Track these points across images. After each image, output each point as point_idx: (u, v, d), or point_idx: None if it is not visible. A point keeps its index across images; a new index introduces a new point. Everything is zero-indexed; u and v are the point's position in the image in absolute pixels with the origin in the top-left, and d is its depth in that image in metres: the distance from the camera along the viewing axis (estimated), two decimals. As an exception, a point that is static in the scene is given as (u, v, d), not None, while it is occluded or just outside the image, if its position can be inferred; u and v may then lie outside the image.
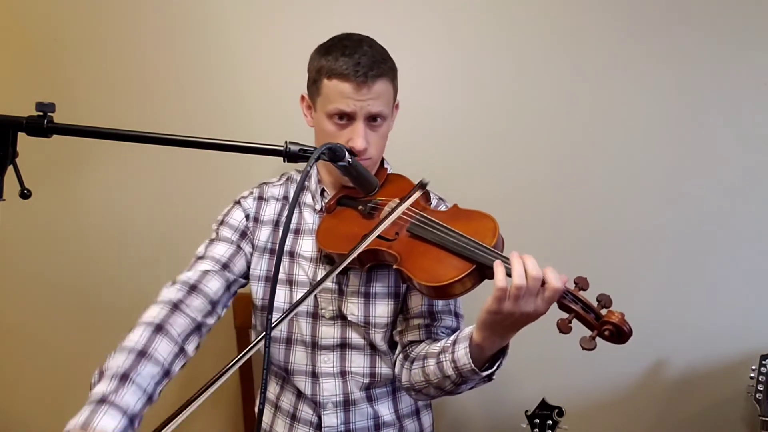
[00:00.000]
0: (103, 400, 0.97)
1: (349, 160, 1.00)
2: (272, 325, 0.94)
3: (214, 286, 1.22)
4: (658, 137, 1.70)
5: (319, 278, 1.27)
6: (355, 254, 1.08)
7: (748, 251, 1.70)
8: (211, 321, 1.23)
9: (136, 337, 1.07)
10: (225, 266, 1.27)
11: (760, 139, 1.68)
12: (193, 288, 1.20)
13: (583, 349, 0.97)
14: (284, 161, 0.94)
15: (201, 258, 1.26)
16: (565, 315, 1.00)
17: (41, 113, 0.83)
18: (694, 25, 1.67)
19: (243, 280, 1.32)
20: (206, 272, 1.23)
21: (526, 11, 1.70)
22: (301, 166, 1.41)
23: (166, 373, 1.08)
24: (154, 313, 1.13)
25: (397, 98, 1.33)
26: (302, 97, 1.32)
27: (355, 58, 1.18)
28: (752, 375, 1.48)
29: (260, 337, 0.93)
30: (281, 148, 0.93)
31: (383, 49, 1.26)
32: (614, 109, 1.70)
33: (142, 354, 1.05)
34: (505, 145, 1.72)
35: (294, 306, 1.01)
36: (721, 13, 1.66)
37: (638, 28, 1.68)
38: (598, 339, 0.98)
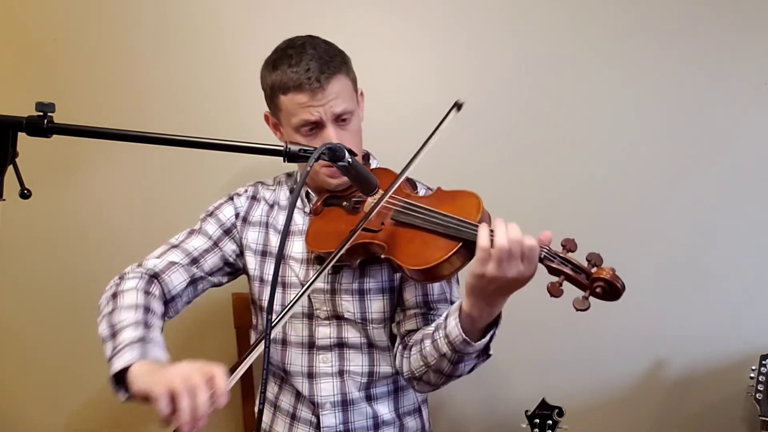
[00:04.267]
0: (143, 340, 1.02)
1: (349, 160, 1.00)
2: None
3: (176, 279, 1.24)
4: (658, 137, 1.70)
5: (310, 279, 1.27)
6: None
7: (748, 251, 1.70)
8: (168, 312, 1.24)
9: (134, 297, 1.13)
10: (194, 261, 1.28)
11: (760, 139, 1.68)
12: (154, 276, 1.22)
13: (577, 310, 0.96)
14: (284, 161, 0.94)
15: (174, 246, 1.28)
16: (555, 279, 0.99)
17: (41, 113, 0.83)
18: (693, 24, 1.67)
19: (213, 279, 1.32)
20: (172, 263, 1.25)
21: (525, 10, 1.70)
22: (293, 167, 1.41)
23: (161, 329, 1.14)
24: (134, 283, 1.17)
25: (360, 87, 1.31)
26: (266, 117, 1.31)
27: (302, 65, 1.17)
28: (752, 375, 1.47)
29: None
30: (281, 148, 0.93)
31: (329, 46, 1.24)
32: (614, 109, 1.70)
33: (147, 310, 1.12)
34: (504, 143, 1.72)
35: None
36: (721, 12, 1.66)
37: (638, 27, 1.68)
38: (592, 299, 0.97)
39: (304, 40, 1.23)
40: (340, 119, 1.22)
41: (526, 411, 1.22)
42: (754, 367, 1.48)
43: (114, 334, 1.04)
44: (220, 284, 1.35)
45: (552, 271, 1.00)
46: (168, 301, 1.23)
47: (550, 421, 1.20)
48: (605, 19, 1.69)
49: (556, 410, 1.21)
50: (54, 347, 1.83)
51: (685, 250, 1.71)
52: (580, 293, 0.98)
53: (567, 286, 0.99)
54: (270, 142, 0.95)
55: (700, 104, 1.68)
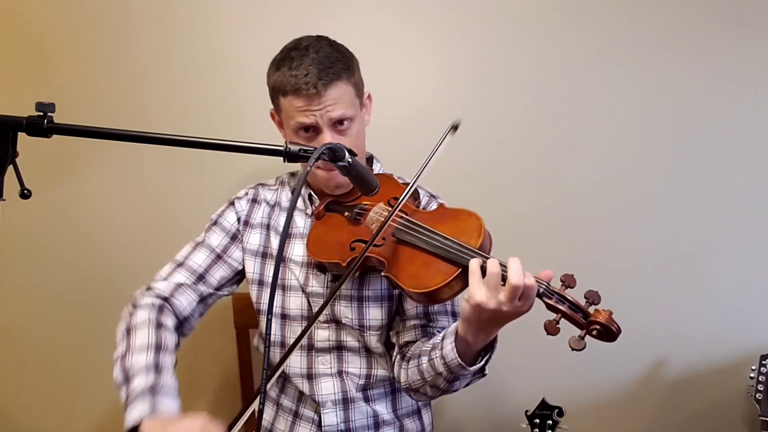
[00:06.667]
0: (153, 389, 1.04)
1: (349, 159, 0.99)
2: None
3: (185, 300, 1.26)
4: (657, 138, 1.70)
5: (310, 283, 1.28)
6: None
7: (748, 251, 1.70)
8: (183, 331, 1.27)
9: (145, 335, 1.14)
10: (201, 278, 1.29)
11: (759, 139, 1.68)
12: (165, 300, 1.24)
13: (573, 349, 0.96)
14: (284, 161, 0.94)
15: (180, 265, 1.29)
16: (552, 316, 0.99)
17: (41, 113, 0.83)
18: (694, 24, 1.67)
19: (221, 292, 1.33)
20: (179, 285, 1.26)
21: (523, 11, 1.70)
22: (295, 167, 1.41)
23: (176, 361, 1.16)
24: (145, 315, 1.18)
25: (367, 90, 1.31)
26: (272, 114, 1.32)
27: (302, 70, 1.17)
28: (752, 375, 1.48)
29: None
30: (281, 148, 0.93)
31: (333, 49, 1.22)
32: (613, 109, 1.70)
33: (159, 348, 1.13)
34: (503, 144, 1.72)
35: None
36: (722, 12, 1.66)
37: (638, 28, 1.68)
38: (588, 338, 0.97)
39: (310, 42, 1.22)
40: (338, 124, 1.22)
41: (526, 411, 1.21)
42: (754, 367, 1.48)
43: (127, 380, 1.07)
44: (230, 294, 1.36)
45: (549, 307, 1.00)
46: (181, 321, 1.26)
47: (550, 421, 1.20)
48: (605, 20, 1.69)
49: (556, 410, 1.20)
50: (54, 347, 1.83)
51: (685, 251, 1.71)
52: (577, 331, 0.98)
53: (563, 323, 0.99)
54: (270, 142, 0.94)
55: (700, 104, 1.69)
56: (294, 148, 0.93)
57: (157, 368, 1.08)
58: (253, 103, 1.73)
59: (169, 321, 1.21)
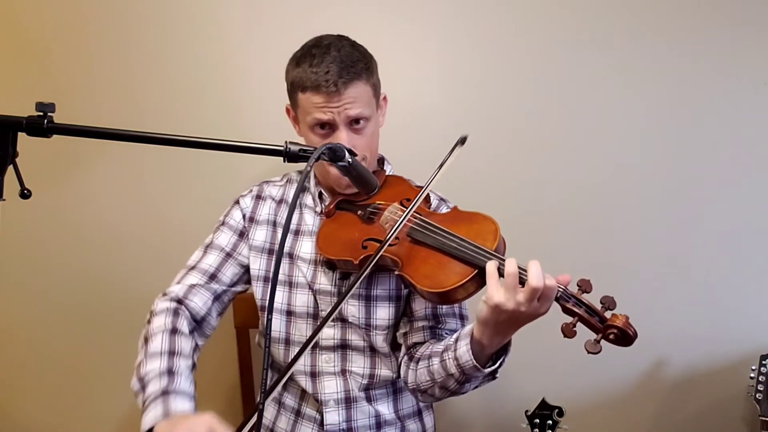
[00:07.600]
0: (166, 392, 1.05)
1: (349, 160, 1.00)
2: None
3: (199, 300, 1.27)
4: (658, 137, 1.70)
5: (318, 281, 1.28)
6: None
7: (748, 251, 1.70)
8: (204, 331, 1.29)
9: (159, 342, 1.16)
10: (212, 277, 1.29)
11: (759, 139, 1.68)
12: (179, 302, 1.25)
13: (589, 353, 0.96)
14: (284, 161, 0.94)
15: (191, 269, 1.30)
16: (569, 319, 0.99)
17: (41, 113, 0.83)
18: (693, 25, 1.67)
19: (235, 289, 1.33)
20: (192, 286, 1.27)
21: (526, 10, 1.70)
22: (302, 166, 1.41)
23: (194, 365, 1.19)
24: (161, 321, 1.19)
25: (383, 92, 1.32)
26: (287, 109, 1.32)
27: (323, 67, 1.18)
28: (752, 375, 1.47)
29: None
30: (281, 148, 0.93)
31: (354, 49, 1.23)
32: (614, 109, 1.70)
33: (172, 353, 1.14)
34: (505, 145, 1.72)
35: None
36: (721, 13, 1.66)
37: (638, 27, 1.68)
38: (603, 342, 0.98)
39: (331, 40, 1.23)
40: (354, 122, 1.22)
41: (526, 411, 1.21)
42: (754, 367, 1.48)
43: (143, 387, 1.09)
44: (245, 291, 1.36)
45: (566, 311, 1.00)
46: (199, 322, 1.26)
47: (550, 421, 1.20)
48: (607, 21, 1.69)
49: (556, 410, 1.20)
50: (54, 347, 1.83)
51: (685, 251, 1.71)
52: (593, 335, 0.98)
53: (580, 326, 0.99)
54: (270, 142, 0.94)
55: (700, 105, 1.69)
56: (294, 148, 0.93)
57: (170, 372, 1.10)
58: (252, 103, 1.74)
59: (185, 325, 1.21)
